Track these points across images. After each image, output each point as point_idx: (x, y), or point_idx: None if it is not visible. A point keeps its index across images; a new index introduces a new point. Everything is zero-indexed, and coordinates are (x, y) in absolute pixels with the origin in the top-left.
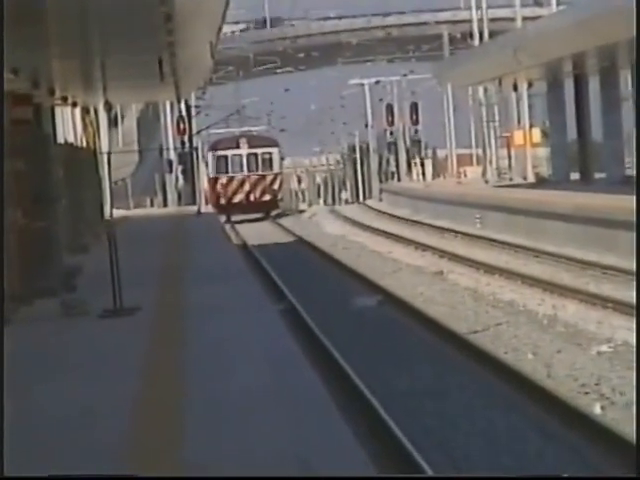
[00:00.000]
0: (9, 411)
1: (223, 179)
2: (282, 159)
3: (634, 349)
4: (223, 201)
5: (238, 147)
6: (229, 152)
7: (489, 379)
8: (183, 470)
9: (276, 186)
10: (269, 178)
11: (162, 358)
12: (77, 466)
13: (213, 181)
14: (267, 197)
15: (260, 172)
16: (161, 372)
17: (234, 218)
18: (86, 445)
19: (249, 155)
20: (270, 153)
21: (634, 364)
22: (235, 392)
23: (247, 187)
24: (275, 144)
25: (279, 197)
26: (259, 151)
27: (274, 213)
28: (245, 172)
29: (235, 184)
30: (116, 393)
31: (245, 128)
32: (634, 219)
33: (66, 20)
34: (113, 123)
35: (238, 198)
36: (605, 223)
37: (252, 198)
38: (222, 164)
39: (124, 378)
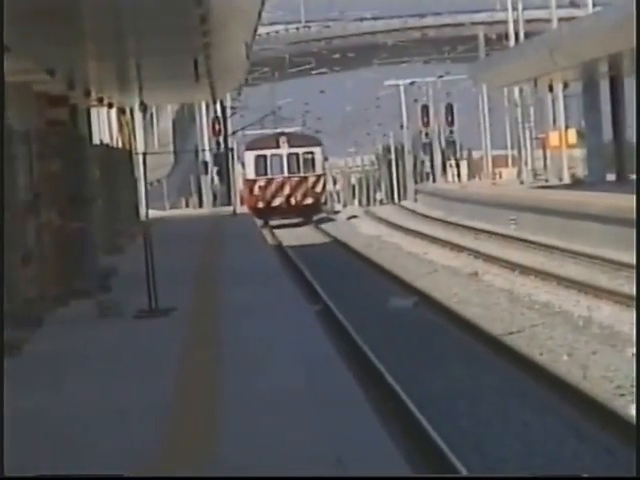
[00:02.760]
0: (48, 411)
1: (261, 181)
2: (325, 159)
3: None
4: (261, 205)
5: (278, 146)
6: (268, 152)
7: (525, 380)
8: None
9: (319, 189)
10: (311, 180)
11: (198, 359)
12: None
13: (251, 183)
14: (309, 200)
15: (302, 174)
16: (196, 373)
17: (272, 222)
18: (125, 437)
19: (290, 155)
20: (312, 153)
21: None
22: (271, 392)
23: (287, 190)
24: (318, 143)
25: (322, 200)
26: (300, 151)
27: (316, 218)
28: (285, 173)
29: (274, 186)
30: (151, 393)
31: (279, 130)
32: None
33: (102, 21)
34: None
35: (278, 201)
36: None
37: (293, 202)
38: (260, 165)
39: (159, 378)
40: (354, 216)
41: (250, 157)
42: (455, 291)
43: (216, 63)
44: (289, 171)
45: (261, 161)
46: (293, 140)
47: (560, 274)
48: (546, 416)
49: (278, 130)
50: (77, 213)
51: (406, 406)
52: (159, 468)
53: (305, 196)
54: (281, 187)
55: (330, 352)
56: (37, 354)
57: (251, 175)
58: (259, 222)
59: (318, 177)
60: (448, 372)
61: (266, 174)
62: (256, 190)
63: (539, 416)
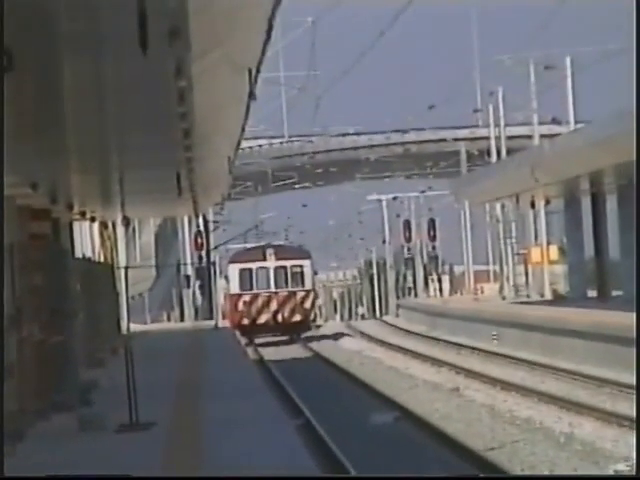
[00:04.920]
0: None
1: (247, 296)
2: (315, 273)
3: None
4: (246, 321)
5: (264, 259)
6: (254, 265)
7: None
8: None
9: (308, 305)
10: (300, 295)
11: (176, 475)
12: None
13: (235, 298)
14: (297, 317)
15: (290, 288)
16: None
17: (258, 340)
18: None
19: (277, 268)
20: (301, 266)
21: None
22: None
23: (274, 306)
24: (307, 256)
25: (311, 317)
26: (288, 264)
27: (304, 335)
28: (272, 288)
29: (260, 302)
30: None
31: (263, 243)
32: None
33: (86, 136)
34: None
35: (264, 318)
36: (622, 341)
37: (280, 318)
38: (246, 278)
39: None
40: (341, 334)
41: (234, 270)
42: (436, 406)
43: (199, 177)
44: (276, 286)
45: (246, 275)
46: (281, 252)
47: (541, 390)
48: None
49: (264, 242)
50: (59, 327)
51: None
52: None
53: (293, 313)
54: (268, 303)
55: (311, 467)
56: (18, 469)
57: (235, 289)
58: (243, 339)
59: (307, 292)
60: None
61: (252, 289)
62: (241, 306)
63: None
